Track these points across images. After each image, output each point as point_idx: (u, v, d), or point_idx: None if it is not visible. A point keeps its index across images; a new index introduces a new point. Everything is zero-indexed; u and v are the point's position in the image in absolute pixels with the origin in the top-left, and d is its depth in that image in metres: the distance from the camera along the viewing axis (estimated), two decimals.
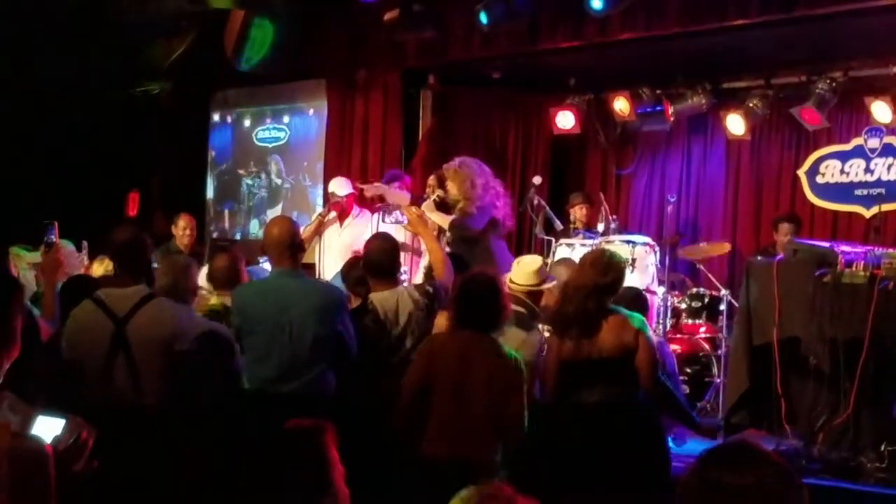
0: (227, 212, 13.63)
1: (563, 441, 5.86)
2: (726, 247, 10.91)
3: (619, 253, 6.90)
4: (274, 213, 12.80)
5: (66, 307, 5.73)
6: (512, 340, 6.01)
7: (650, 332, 6.09)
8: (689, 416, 7.10)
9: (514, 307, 6.33)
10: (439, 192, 8.36)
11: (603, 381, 5.90)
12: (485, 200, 8.26)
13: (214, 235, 13.38)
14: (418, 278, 8.56)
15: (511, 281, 6.58)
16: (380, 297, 6.28)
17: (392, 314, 6.24)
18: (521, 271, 6.68)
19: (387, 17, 10.27)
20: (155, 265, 6.49)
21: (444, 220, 8.37)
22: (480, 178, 8.32)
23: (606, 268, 6.04)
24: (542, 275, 6.76)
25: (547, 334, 6.44)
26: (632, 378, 5.89)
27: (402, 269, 8.57)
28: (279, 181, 13.24)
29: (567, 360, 5.96)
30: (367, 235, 8.35)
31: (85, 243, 7.67)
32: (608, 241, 9.83)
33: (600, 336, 5.91)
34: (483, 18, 9.86)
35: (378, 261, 6.45)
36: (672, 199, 11.11)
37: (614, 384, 5.89)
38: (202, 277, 6.83)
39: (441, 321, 6.09)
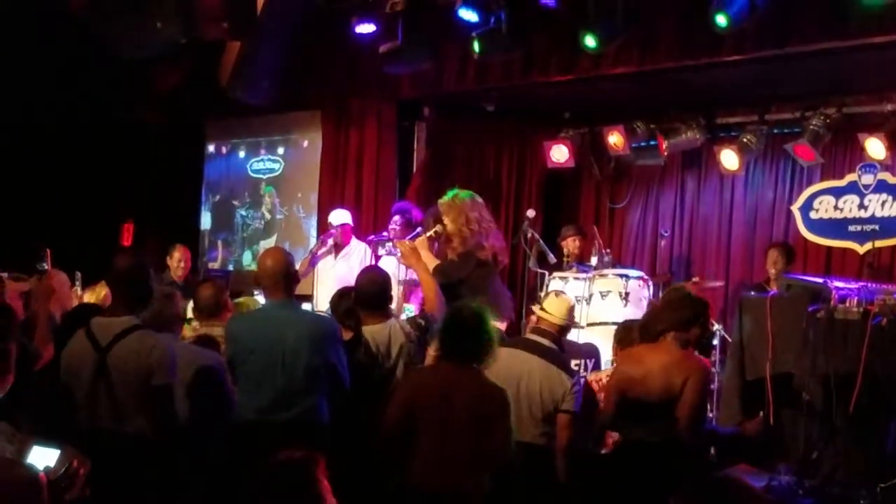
0: (220, 242, 13.61)
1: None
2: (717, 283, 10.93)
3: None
4: (268, 244, 12.80)
5: (69, 335, 5.70)
6: (549, 379, 6.20)
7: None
8: None
9: (540, 339, 6.38)
10: (438, 227, 8.30)
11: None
12: (470, 243, 8.16)
13: (209, 266, 13.36)
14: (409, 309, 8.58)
15: (543, 310, 6.61)
16: (371, 330, 6.28)
17: (384, 347, 6.24)
18: (558, 305, 6.70)
19: (383, 49, 10.29)
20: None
21: (431, 262, 8.29)
22: (474, 212, 8.27)
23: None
24: (573, 317, 6.83)
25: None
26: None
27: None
28: (270, 215, 13.24)
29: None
30: (362, 267, 8.38)
31: (78, 274, 7.66)
32: (601, 275, 9.86)
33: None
34: (476, 47, 9.88)
35: (369, 293, 6.46)
36: (665, 234, 11.13)
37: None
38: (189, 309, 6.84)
39: (433, 353, 6.09)
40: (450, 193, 8.42)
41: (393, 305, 8.34)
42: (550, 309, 6.63)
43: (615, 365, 6.58)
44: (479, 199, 8.45)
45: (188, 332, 6.69)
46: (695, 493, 2.52)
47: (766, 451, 7.62)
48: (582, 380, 6.86)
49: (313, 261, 10.15)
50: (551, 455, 6.29)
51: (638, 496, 5.60)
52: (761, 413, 7.84)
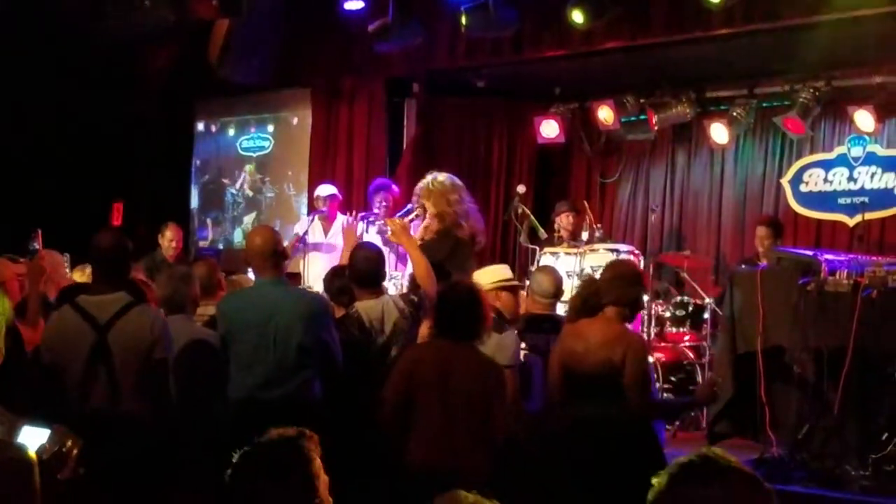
0: (209, 221, 13.59)
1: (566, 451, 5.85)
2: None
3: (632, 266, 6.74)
4: (249, 221, 12.86)
5: None
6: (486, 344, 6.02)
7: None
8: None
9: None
10: (419, 209, 8.25)
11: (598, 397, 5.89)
12: (447, 222, 8.14)
13: (200, 245, 13.35)
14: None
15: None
16: (365, 306, 6.29)
17: (377, 322, 6.25)
18: (485, 273, 6.71)
19: (372, 28, 10.26)
20: (140, 276, 6.48)
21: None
22: (454, 194, 8.24)
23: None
24: (506, 272, 6.80)
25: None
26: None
27: (395, 274, 8.61)
28: (252, 193, 13.24)
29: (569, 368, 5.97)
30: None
31: (66, 255, 7.65)
32: (592, 250, 9.86)
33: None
34: (464, 21, 9.85)
35: (363, 270, 6.46)
36: (656, 209, 11.13)
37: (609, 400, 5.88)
38: None
39: (425, 331, 6.08)
40: (428, 177, 8.39)
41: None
42: (482, 281, 6.59)
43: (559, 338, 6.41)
44: (459, 182, 8.41)
45: None
46: (680, 472, 2.55)
47: (758, 424, 7.64)
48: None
49: (302, 239, 10.13)
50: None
51: (591, 472, 5.57)
52: (710, 374, 7.85)
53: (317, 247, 10.28)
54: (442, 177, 8.29)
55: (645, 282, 6.27)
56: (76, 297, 5.58)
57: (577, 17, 9.31)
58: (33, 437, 3.33)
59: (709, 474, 2.52)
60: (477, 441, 5.37)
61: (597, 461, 5.55)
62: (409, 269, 7.78)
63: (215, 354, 5.90)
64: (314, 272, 9.60)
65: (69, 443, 3.35)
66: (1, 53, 10.76)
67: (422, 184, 8.29)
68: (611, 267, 6.45)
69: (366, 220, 9.68)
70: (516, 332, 6.54)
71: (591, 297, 6.05)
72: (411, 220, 8.01)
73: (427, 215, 8.08)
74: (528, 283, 7.70)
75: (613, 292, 5.91)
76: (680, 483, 2.53)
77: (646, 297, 9.13)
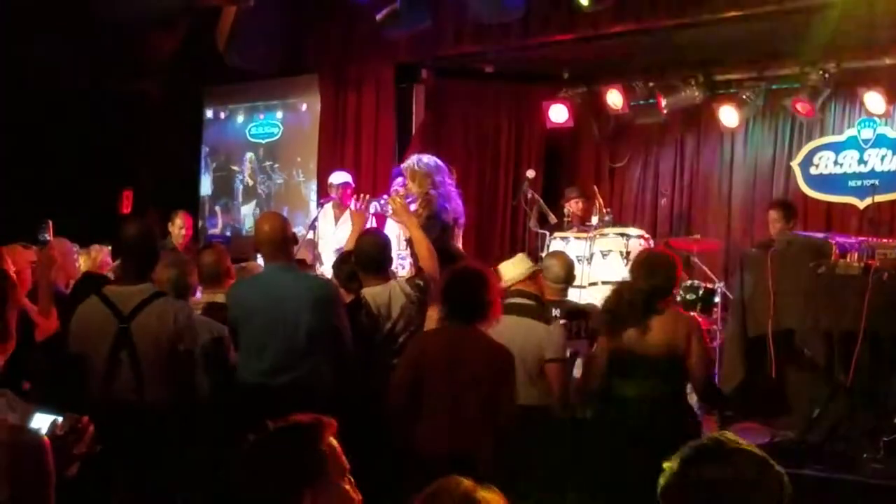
0: (219, 208, 13.60)
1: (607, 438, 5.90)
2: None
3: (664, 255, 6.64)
4: (248, 211, 12.87)
5: (78, 305, 5.71)
6: (533, 334, 6.16)
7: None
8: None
9: (517, 300, 6.38)
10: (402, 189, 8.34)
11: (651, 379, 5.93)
12: (433, 207, 8.19)
13: (210, 232, 13.36)
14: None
15: (504, 282, 6.58)
16: (372, 292, 6.28)
17: (385, 308, 6.24)
18: (508, 267, 6.73)
19: (379, 16, 10.22)
20: None
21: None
22: (438, 176, 8.30)
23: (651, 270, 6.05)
24: (530, 261, 6.83)
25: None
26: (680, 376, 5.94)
27: (401, 256, 8.63)
28: (252, 181, 13.27)
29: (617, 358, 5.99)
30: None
31: (77, 246, 7.66)
32: (602, 234, 9.86)
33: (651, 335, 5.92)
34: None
35: (369, 256, 6.45)
36: (665, 193, 11.10)
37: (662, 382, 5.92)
38: None
39: (433, 314, 6.08)
40: (413, 158, 8.43)
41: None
42: (507, 276, 6.64)
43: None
44: (442, 164, 8.44)
45: None
46: (692, 455, 2.57)
47: (770, 407, 7.63)
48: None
49: (312, 224, 10.14)
50: (548, 414, 6.29)
51: (638, 453, 5.60)
52: None
53: (327, 234, 10.28)
54: (427, 158, 8.37)
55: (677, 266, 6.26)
56: (103, 288, 5.62)
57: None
58: (45, 423, 3.35)
59: (720, 456, 2.54)
60: (484, 426, 5.37)
61: (641, 440, 5.58)
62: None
63: (215, 343, 5.90)
64: (325, 259, 9.61)
65: (85, 419, 3.37)
66: (5, 42, 10.75)
67: (405, 164, 8.37)
68: (641, 258, 6.43)
69: (381, 204, 9.71)
70: (563, 323, 6.59)
71: (646, 300, 6.02)
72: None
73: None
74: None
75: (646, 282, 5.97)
76: (692, 465, 2.55)
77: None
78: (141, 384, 5.32)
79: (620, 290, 6.15)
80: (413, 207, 7.96)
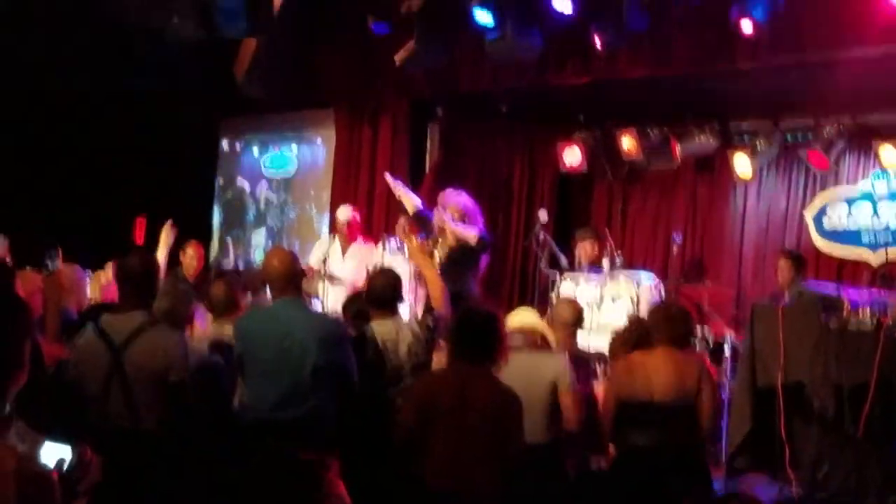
0: (229, 239, 13.61)
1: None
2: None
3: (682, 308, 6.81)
4: (258, 234, 12.89)
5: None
6: (543, 366, 6.23)
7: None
8: None
9: (519, 336, 6.40)
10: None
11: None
12: (479, 226, 8.52)
13: (222, 264, 13.38)
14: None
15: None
16: (380, 329, 6.27)
17: (392, 344, 6.23)
18: (518, 317, 6.75)
19: (398, 58, 10.24)
20: None
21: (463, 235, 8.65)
22: (469, 203, 8.65)
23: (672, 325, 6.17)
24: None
25: None
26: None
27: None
28: (264, 213, 13.31)
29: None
30: (371, 263, 8.45)
31: (88, 272, 7.67)
32: (613, 278, 9.84)
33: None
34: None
35: (380, 293, 6.45)
36: (677, 240, 11.08)
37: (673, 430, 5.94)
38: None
39: (441, 357, 6.08)
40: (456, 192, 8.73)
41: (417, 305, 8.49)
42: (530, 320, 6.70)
43: (610, 373, 6.55)
44: (463, 191, 8.83)
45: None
46: None
47: (777, 460, 7.58)
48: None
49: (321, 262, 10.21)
50: (557, 449, 6.28)
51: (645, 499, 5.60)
52: None
53: (335, 267, 10.29)
54: (449, 191, 8.70)
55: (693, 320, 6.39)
56: (99, 317, 5.63)
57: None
58: (54, 453, 3.36)
59: None
60: (491, 465, 5.34)
61: (651, 488, 5.57)
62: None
63: (208, 373, 5.89)
64: (334, 293, 9.64)
65: (88, 454, 3.37)
66: (19, 64, 10.79)
67: (448, 194, 8.69)
68: (659, 309, 6.55)
69: (383, 241, 9.84)
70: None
71: (643, 334, 6.17)
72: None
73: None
74: (549, 312, 7.75)
75: (665, 332, 6.08)
76: None
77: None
78: (134, 413, 5.34)
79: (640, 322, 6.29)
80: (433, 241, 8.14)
